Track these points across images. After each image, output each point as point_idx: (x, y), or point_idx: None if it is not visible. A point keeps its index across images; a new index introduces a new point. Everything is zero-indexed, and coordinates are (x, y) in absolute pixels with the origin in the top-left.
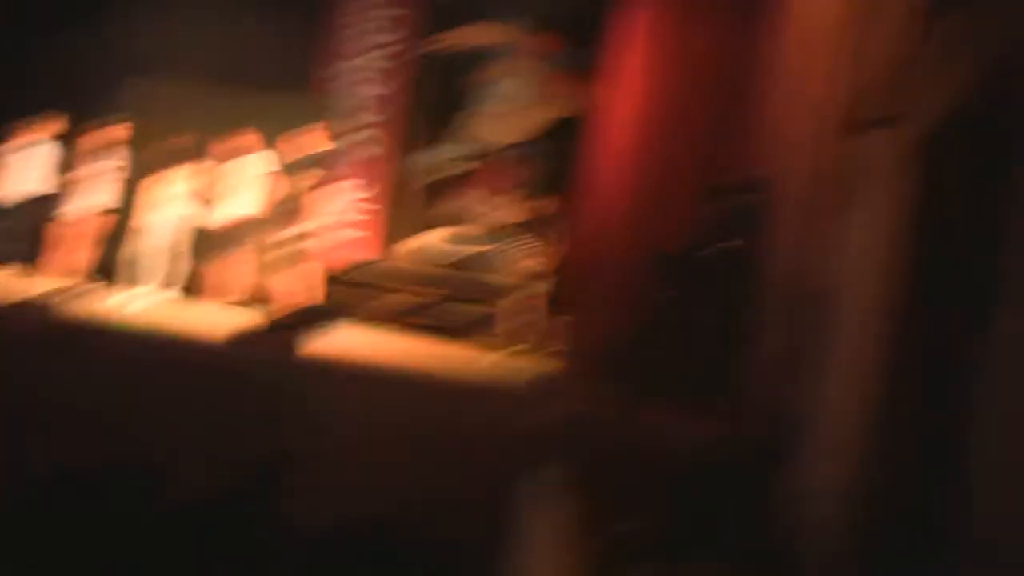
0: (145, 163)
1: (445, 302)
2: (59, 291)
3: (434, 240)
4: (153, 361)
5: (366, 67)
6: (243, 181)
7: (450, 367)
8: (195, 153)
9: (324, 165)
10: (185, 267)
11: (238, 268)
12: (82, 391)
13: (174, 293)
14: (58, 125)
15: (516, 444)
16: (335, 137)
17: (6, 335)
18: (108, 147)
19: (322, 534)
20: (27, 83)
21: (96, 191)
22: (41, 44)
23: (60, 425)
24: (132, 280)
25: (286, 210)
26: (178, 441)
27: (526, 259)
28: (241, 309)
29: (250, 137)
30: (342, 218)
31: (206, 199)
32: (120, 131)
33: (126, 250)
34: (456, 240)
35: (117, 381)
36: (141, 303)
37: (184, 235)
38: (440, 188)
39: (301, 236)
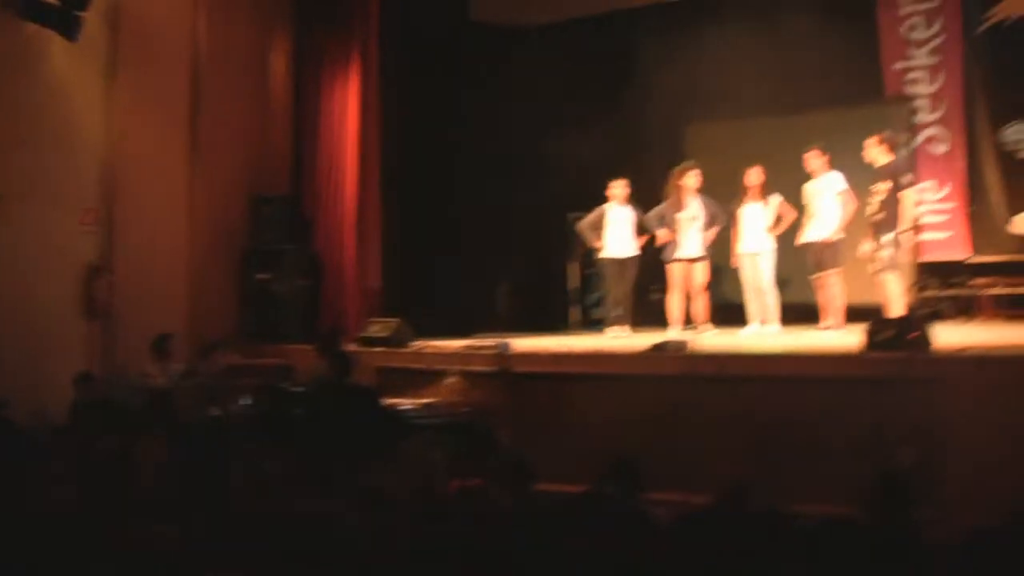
0: (718, 204)
1: None
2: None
3: (1021, 226)
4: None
5: (915, 67)
6: (820, 203)
7: None
8: (766, 186)
9: (894, 173)
10: (775, 300)
11: (829, 291)
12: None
13: (774, 328)
14: (626, 187)
15: None
16: (898, 144)
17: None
18: (684, 195)
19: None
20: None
21: (686, 240)
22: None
23: None
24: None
25: (870, 223)
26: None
27: None
28: (838, 331)
29: (820, 157)
30: (922, 222)
31: (785, 227)
32: (692, 178)
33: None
34: None
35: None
36: (754, 340)
37: (768, 269)
38: (1018, 170)
39: (885, 247)
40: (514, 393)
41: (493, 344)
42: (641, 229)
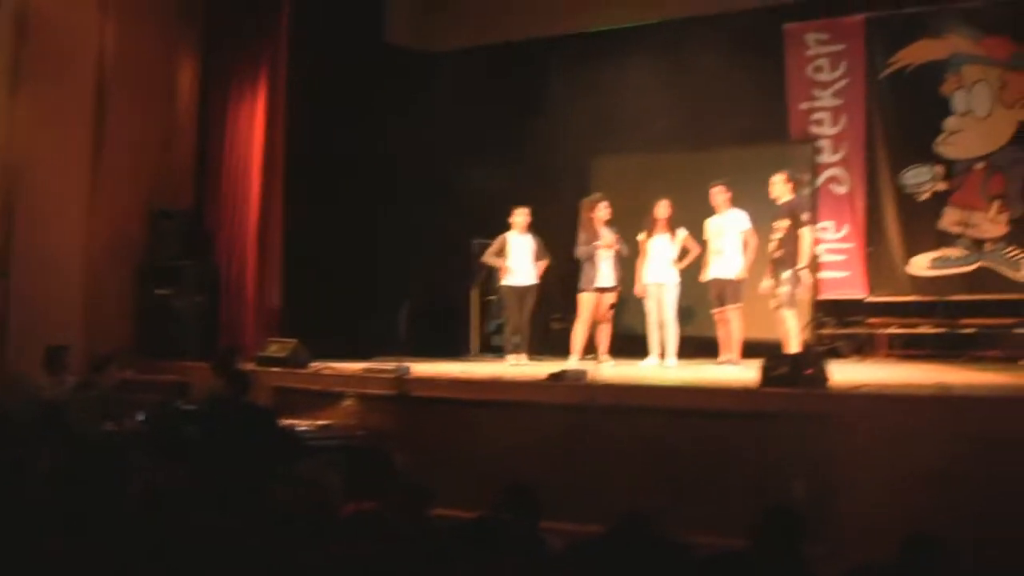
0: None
1: (941, 330)
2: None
3: (918, 267)
4: (692, 412)
5: (819, 108)
6: (723, 240)
7: (971, 386)
8: (672, 220)
9: (794, 211)
10: (675, 332)
11: (728, 326)
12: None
13: (673, 360)
14: (527, 215)
15: None
16: (802, 183)
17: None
18: (597, 226)
19: None
20: (497, 175)
21: (602, 270)
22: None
23: None
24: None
25: (770, 260)
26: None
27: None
28: (736, 366)
29: (724, 194)
30: (821, 261)
31: (690, 261)
32: (603, 210)
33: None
34: (940, 264)
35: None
36: (653, 372)
37: (672, 301)
38: (916, 213)
39: (784, 284)
40: (412, 417)
41: (392, 368)
42: (541, 256)
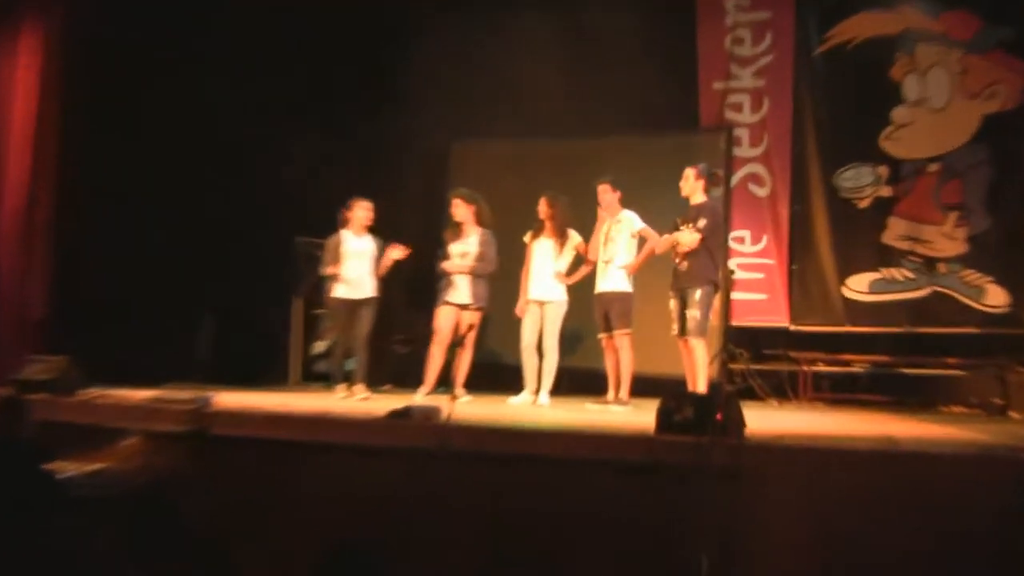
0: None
1: (882, 369)
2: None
3: (854, 291)
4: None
5: (737, 88)
6: (613, 247)
7: (918, 440)
8: (556, 222)
9: (702, 216)
10: (554, 362)
11: (618, 355)
12: None
13: (546, 399)
14: (368, 211)
15: None
16: (712, 181)
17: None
18: (464, 227)
19: None
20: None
21: (457, 282)
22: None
23: None
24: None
25: (674, 275)
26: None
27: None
28: (625, 407)
29: (610, 193)
30: (735, 278)
31: (583, 275)
32: (460, 208)
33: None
34: (882, 287)
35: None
36: (523, 411)
37: (554, 323)
38: (853, 223)
39: (691, 307)
40: (213, 462)
41: (189, 398)
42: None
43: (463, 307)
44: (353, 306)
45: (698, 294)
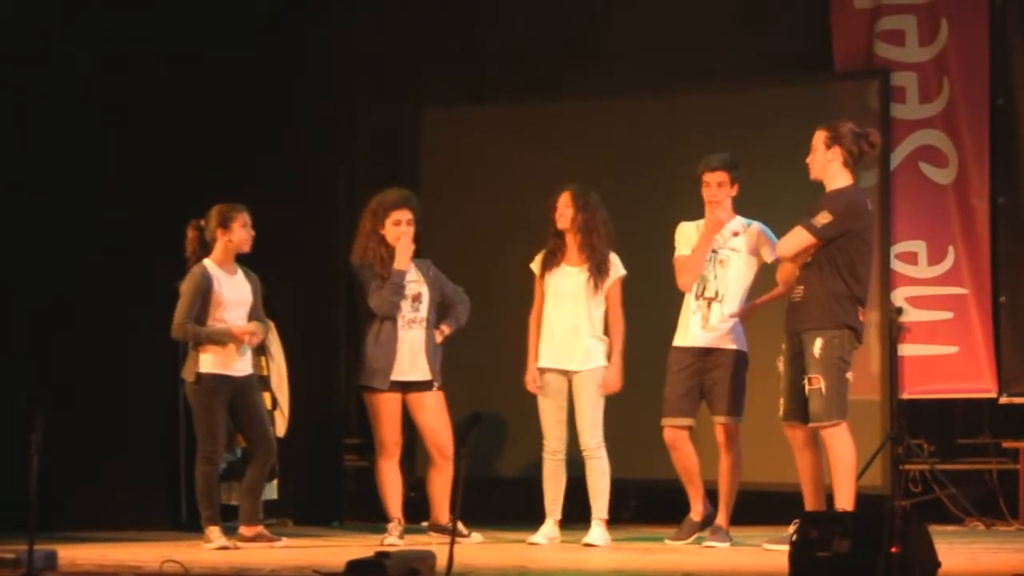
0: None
1: None
2: None
3: None
4: None
5: (894, 7)
6: (721, 271)
7: None
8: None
9: (825, 209)
10: (605, 473)
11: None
12: None
13: (600, 536)
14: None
15: None
16: (858, 151)
17: None
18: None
19: None
20: None
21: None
22: None
23: None
24: None
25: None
26: None
27: None
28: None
29: (725, 186)
30: (904, 321)
31: None
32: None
33: None
34: None
35: None
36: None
37: (590, 409)
38: None
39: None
40: None
41: (13, 552)
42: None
43: (413, 387)
44: (235, 389)
45: (817, 345)
